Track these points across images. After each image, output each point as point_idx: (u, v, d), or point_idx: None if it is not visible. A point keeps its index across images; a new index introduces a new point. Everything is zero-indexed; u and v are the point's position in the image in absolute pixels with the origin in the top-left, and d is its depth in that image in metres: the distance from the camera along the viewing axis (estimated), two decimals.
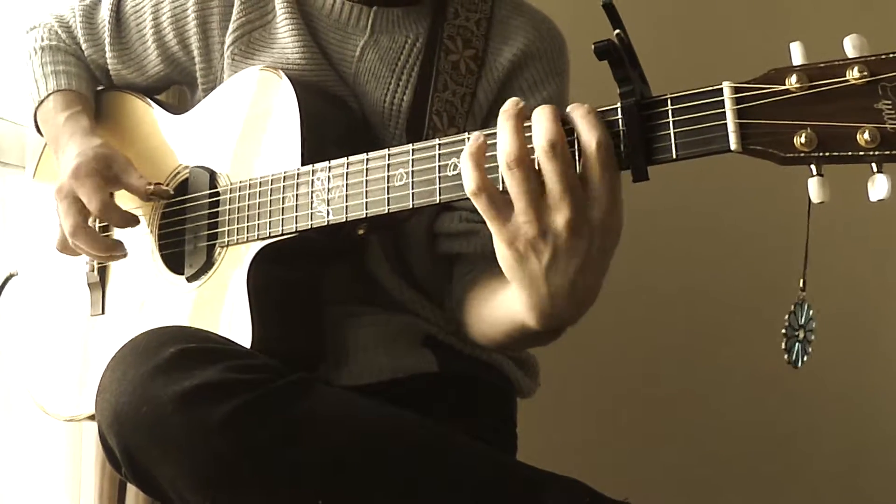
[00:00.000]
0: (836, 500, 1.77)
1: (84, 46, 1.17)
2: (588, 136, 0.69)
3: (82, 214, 1.00)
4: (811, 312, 0.69)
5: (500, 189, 0.73)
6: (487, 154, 0.73)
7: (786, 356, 0.69)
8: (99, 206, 0.99)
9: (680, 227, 1.74)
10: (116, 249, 1.02)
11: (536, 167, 0.70)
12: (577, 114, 0.71)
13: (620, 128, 0.71)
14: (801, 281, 0.69)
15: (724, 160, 0.71)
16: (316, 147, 0.93)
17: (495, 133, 0.73)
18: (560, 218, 0.70)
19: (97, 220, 1.07)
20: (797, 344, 0.69)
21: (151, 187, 1.00)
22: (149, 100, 1.15)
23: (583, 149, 0.70)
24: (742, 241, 1.77)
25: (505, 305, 0.87)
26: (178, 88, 1.24)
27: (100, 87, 1.19)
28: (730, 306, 1.76)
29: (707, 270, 1.75)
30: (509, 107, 0.74)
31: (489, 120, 1.04)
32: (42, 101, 1.11)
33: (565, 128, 0.71)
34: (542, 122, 0.70)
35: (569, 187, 0.69)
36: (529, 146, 0.71)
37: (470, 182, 0.72)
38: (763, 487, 1.76)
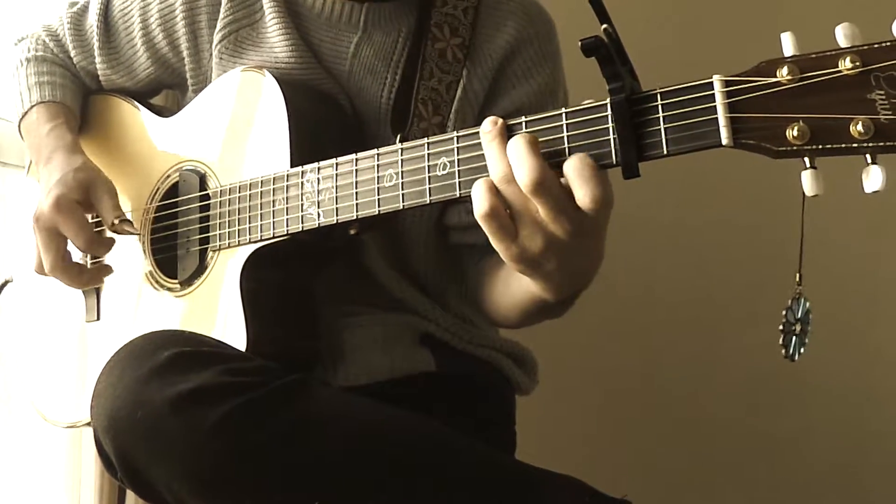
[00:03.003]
0: (834, 497, 1.76)
1: (73, 54, 1.16)
2: (582, 194, 0.69)
3: (60, 251, 1.01)
4: (808, 306, 0.69)
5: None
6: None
7: (783, 350, 0.69)
8: (85, 243, 0.99)
9: (675, 226, 1.73)
10: (94, 283, 1.05)
11: None
12: (570, 165, 0.70)
13: (610, 124, 0.70)
14: (798, 275, 0.69)
15: (715, 155, 0.70)
16: (307, 147, 0.93)
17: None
18: (560, 231, 0.72)
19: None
20: (794, 338, 0.69)
21: (116, 222, 1.00)
22: (137, 103, 1.14)
23: (579, 203, 0.70)
24: (737, 237, 1.76)
25: (517, 286, 0.90)
26: (169, 93, 1.23)
27: (88, 91, 1.18)
28: (727, 304, 1.75)
29: (703, 268, 1.75)
30: (489, 128, 0.74)
31: (487, 108, 1.04)
32: (26, 113, 1.11)
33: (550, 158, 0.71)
34: (521, 159, 0.70)
35: (562, 211, 0.71)
36: None
37: (482, 206, 0.72)
38: (762, 486, 1.75)
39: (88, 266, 1.12)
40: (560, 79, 1.08)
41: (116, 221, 1.00)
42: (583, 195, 0.69)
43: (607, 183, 0.70)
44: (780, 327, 0.68)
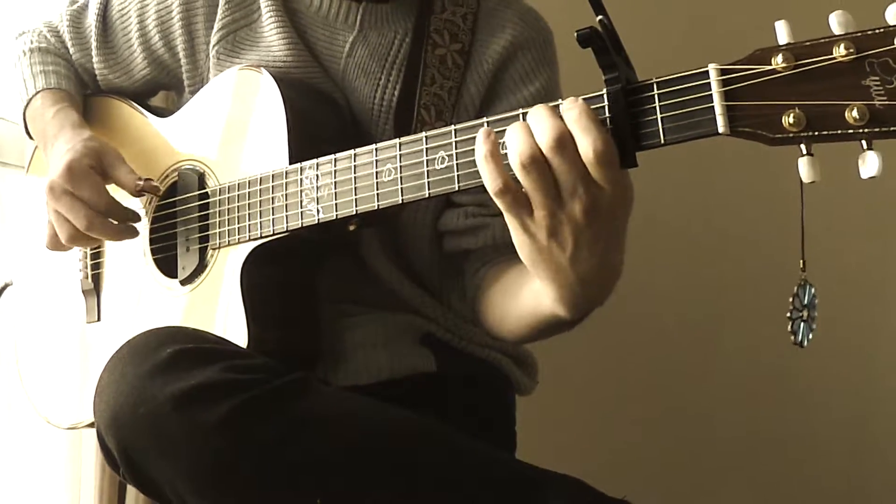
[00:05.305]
0: (836, 498, 1.75)
1: (72, 51, 1.17)
2: (584, 141, 0.69)
3: (88, 210, 0.98)
4: (813, 292, 0.69)
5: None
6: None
7: (791, 337, 0.68)
8: (106, 205, 0.98)
9: (677, 223, 1.73)
10: (132, 230, 1.01)
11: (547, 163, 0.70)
12: (570, 117, 0.70)
13: (607, 114, 0.70)
14: (801, 262, 0.69)
15: (712, 146, 0.70)
16: (304, 144, 0.93)
17: (495, 127, 0.74)
18: (577, 207, 0.70)
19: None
20: (802, 324, 0.69)
21: (141, 183, 0.98)
22: (134, 104, 1.14)
23: (582, 153, 0.69)
24: (739, 233, 1.76)
25: (530, 299, 0.86)
26: (167, 94, 1.24)
27: (86, 93, 1.18)
28: (728, 303, 1.75)
29: (705, 266, 1.74)
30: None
31: (482, 113, 1.04)
32: (30, 100, 1.11)
33: None
34: (543, 119, 0.70)
35: (580, 177, 0.69)
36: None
37: (495, 182, 0.71)
38: (763, 486, 1.74)
39: (89, 275, 1.12)
40: (556, 85, 1.09)
41: (141, 182, 0.98)
42: (585, 145, 0.68)
43: (609, 136, 0.69)
44: (788, 314, 0.68)
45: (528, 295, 0.87)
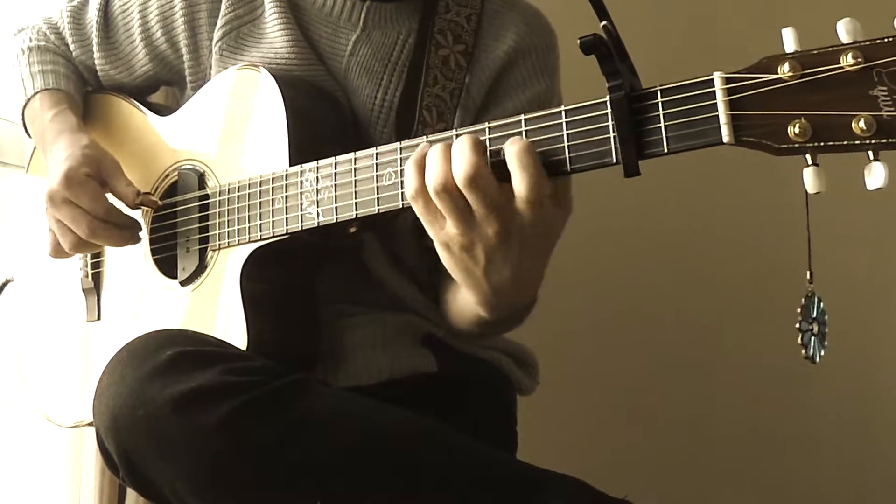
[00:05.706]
0: (838, 497, 1.76)
1: (72, 47, 1.16)
2: (517, 177, 0.71)
3: (88, 217, 0.98)
4: (822, 305, 0.68)
5: None
6: None
7: (802, 352, 0.68)
8: (105, 212, 0.98)
9: (676, 226, 1.72)
10: (134, 235, 1.01)
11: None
12: (511, 151, 0.72)
13: (610, 122, 0.70)
14: (808, 274, 0.68)
15: (717, 153, 0.69)
16: (304, 143, 0.93)
17: (496, 133, 0.76)
18: (489, 230, 0.73)
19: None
20: (813, 338, 0.68)
21: (140, 197, 0.99)
22: (136, 102, 1.14)
23: (515, 189, 0.71)
24: (739, 237, 1.75)
25: (462, 299, 0.90)
26: (169, 91, 1.23)
27: (87, 90, 1.18)
28: (731, 305, 1.75)
29: (706, 268, 1.74)
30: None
31: (482, 116, 1.04)
32: (29, 100, 1.11)
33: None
34: (462, 153, 0.72)
35: (492, 209, 0.72)
36: None
37: (409, 186, 0.75)
38: (763, 487, 1.74)
39: (90, 274, 1.12)
40: (556, 90, 1.09)
41: (140, 197, 0.99)
42: (518, 181, 0.71)
43: (545, 179, 0.71)
44: (797, 326, 0.67)
45: (461, 295, 0.90)
